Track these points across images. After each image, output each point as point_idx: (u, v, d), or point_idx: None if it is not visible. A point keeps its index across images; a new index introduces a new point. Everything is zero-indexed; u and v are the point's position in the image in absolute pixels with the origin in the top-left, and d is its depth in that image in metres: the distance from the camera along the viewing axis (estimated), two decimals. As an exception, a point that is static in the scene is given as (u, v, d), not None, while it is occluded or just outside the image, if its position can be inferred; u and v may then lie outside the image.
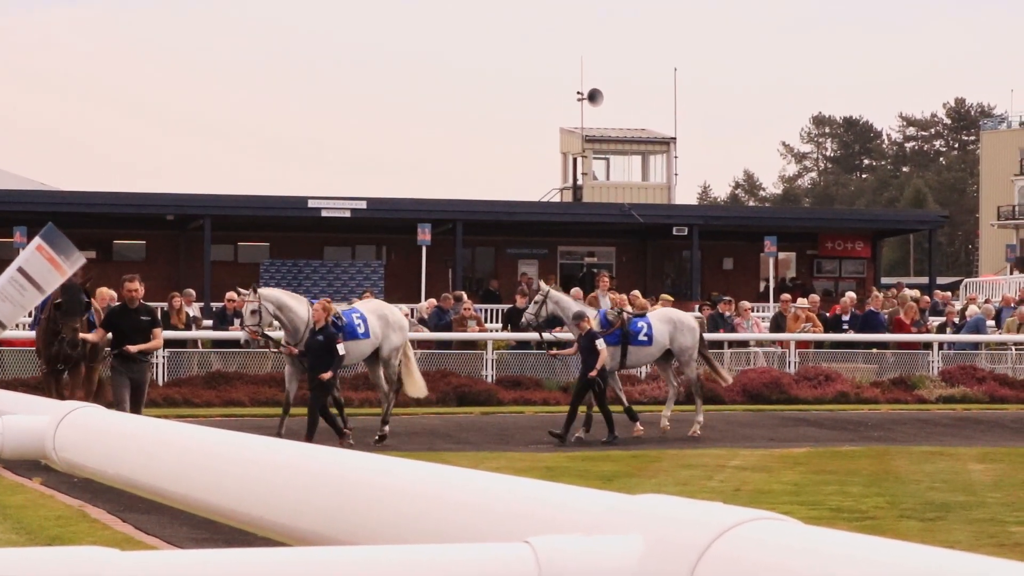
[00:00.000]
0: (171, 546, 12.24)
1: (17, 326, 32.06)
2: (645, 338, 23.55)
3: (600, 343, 22.42)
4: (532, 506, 2.24)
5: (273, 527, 3.11)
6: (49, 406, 4.94)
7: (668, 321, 24.01)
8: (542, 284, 24.34)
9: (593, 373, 22.21)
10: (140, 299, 19.28)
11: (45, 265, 12.00)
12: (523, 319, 24.58)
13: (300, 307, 22.39)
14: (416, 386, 23.84)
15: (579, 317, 22.67)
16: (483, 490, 2.37)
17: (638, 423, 23.11)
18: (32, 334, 29.10)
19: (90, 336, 19.50)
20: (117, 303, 20.76)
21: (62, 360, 19.73)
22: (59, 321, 19.31)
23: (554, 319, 23.99)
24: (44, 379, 20.52)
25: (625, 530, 1.99)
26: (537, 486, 2.31)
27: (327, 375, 21.07)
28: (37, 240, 12.22)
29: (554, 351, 25.01)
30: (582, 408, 22.85)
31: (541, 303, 23.55)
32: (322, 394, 21.36)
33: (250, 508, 3.21)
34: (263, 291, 22.46)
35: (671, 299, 35.96)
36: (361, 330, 22.57)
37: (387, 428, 22.43)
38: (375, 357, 23.13)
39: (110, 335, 19.24)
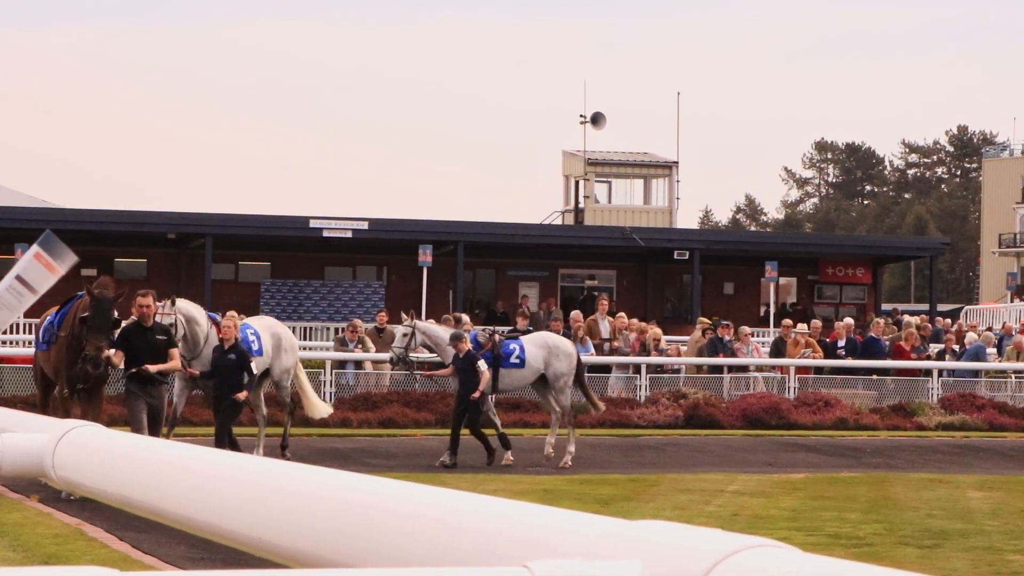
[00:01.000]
0: (168, 565, 12.22)
1: (16, 343, 32.07)
2: (517, 360, 22.93)
3: (482, 364, 21.99)
4: (531, 530, 2.24)
5: (271, 548, 3.11)
6: (48, 424, 4.94)
7: (543, 346, 23.35)
8: (405, 317, 23.68)
9: (476, 395, 21.92)
10: (154, 316, 18.12)
11: (42, 271, 12.04)
12: (391, 355, 23.87)
13: (203, 320, 21.24)
14: (316, 408, 23.33)
15: (457, 338, 22.24)
16: (482, 514, 2.37)
17: (509, 452, 22.54)
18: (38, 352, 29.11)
19: (113, 356, 17.78)
20: (128, 320, 18.79)
21: (81, 380, 18.04)
22: (84, 336, 17.49)
23: (426, 349, 23.31)
24: (50, 401, 18.77)
25: (624, 556, 1.99)
26: (536, 510, 2.31)
27: (243, 395, 19.95)
28: (35, 248, 12.27)
29: (428, 371, 24.26)
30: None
31: (410, 335, 22.92)
32: (233, 414, 20.39)
33: (248, 528, 3.21)
34: (180, 303, 20.96)
35: (707, 322, 35.87)
36: (255, 347, 21.61)
37: (287, 453, 21.66)
38: (265, 378, 22.33)
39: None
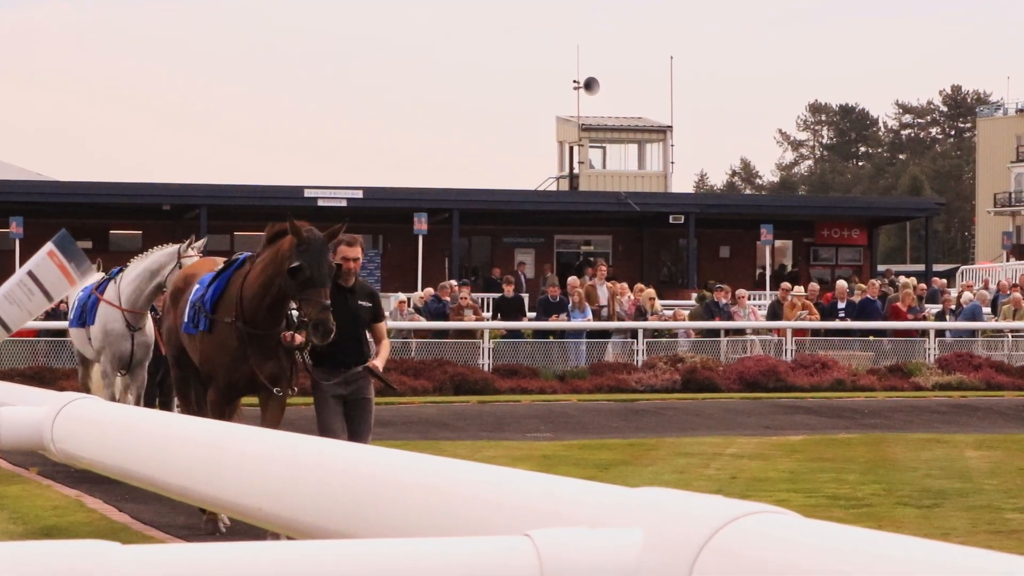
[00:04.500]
0: (170, 536, 12.24)
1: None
2: None
3: None
4: (533, 499, 2.25)
5: (271, 519, 3.11)
6: (47, 397, 4.94)
7: None
8: None
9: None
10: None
11: (55, 272, 11.99)
12: None
13: None
14: None
15: None
16: (484, 483, 2.37)
17: None
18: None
19: (299, 337, 11.66)
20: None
21: (289, 370, 11.97)
22: (294, 294, 11.51)
23: None
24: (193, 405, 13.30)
25: (626, 523, 2.00)
26: (537, 479, 2.31)
27: None
28: (49, 246, 12.24)
29: None
30: None
31: None
32: None
33: (248, 499, 3.21)
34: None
35: (865, 286, 35.76)
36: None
37: None
38: None
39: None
